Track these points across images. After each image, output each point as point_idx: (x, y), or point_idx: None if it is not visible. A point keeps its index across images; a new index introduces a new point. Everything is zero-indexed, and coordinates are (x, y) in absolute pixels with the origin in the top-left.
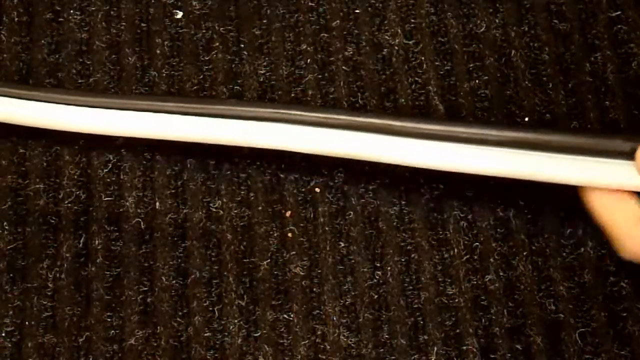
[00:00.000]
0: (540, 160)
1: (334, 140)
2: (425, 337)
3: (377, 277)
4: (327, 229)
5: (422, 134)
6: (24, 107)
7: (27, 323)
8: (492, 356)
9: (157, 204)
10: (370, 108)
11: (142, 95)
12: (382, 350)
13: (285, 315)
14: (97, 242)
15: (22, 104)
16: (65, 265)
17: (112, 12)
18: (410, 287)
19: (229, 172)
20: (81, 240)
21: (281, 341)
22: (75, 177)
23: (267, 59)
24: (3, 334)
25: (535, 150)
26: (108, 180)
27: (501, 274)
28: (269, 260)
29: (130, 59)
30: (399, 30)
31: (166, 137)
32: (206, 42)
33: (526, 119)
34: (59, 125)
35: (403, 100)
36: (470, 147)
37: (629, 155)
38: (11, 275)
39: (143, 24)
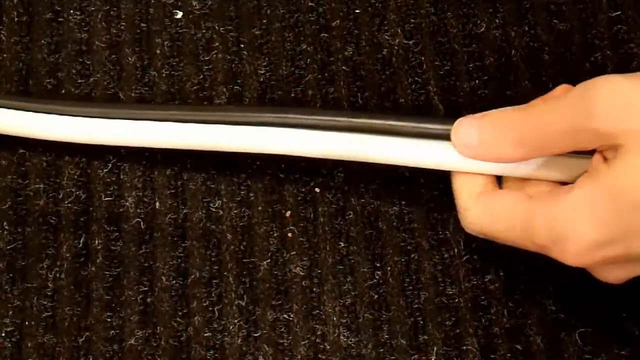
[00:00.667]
0: (365, 142)
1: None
2: (425, 337)
3: (377, 277)
4: (327, 229)
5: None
6: (21, 119)
7: (27, 323)
8: (492, 356)
9: (157, 204)
10: (371, 108)
11: (141, 104)
12: (382, 350)
13: (285, 315)
14: (97, 242)
15: (19, 115)
16: (65, 265)
17: (112, 12)
18: (410, 287)
19: (229, 172)
20: (81, 240)
21: (281, 341)
22: (75, 177)
23: (267, 59)
24: (3, 334)
25: (358, 133)
26: (108, 180)
27: (501, 274)
28: (269, 260)
29: (130, 59)
30: (399, 30)
31: (167, 145)
32: (206, 42)
33: None
34: (58, 137)
35: (403, 100)
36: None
37: (447, 137)
38: (11, 275)
39: (143, 24)
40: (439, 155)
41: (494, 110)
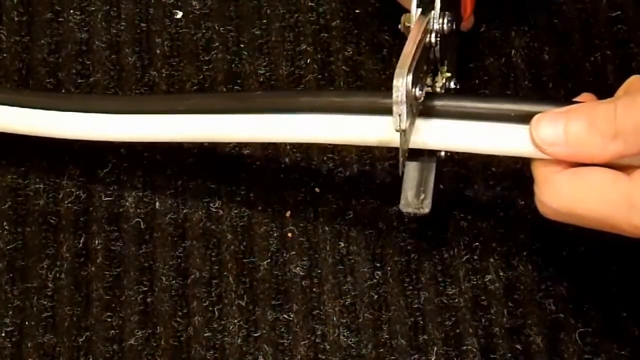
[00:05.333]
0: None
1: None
2: (425, 337)
3: (377, 277)
4: (327, 229)
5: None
6: (18, 115)
7: (27, 323)
8: (492, 356)
9: (157, 204)
10: None
11: (143, 96)
12: (382, 350)
13: (285, 315)
14: (97, 242)
15: (16, 111)
16: (65, 265)
17: (112, 12)
18: (410, 287)
19: (229, 172)
20: (81, 240)
21: (281, 341)
22: (75, 177)
23: (267, 59)
24: (3, 334)
25: (429, 118)
26: (108, 180)
27: (501, 274)
28: (269, 260)
29: (130, 59)
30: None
31: (169, 139)
32: (206, 42)
33: None
34: (58, 133)
35: None
36: None
37: (521, 120)
38: (11, 275)
39: (143, 24)
40: (516, 143)
41: (578, 105)
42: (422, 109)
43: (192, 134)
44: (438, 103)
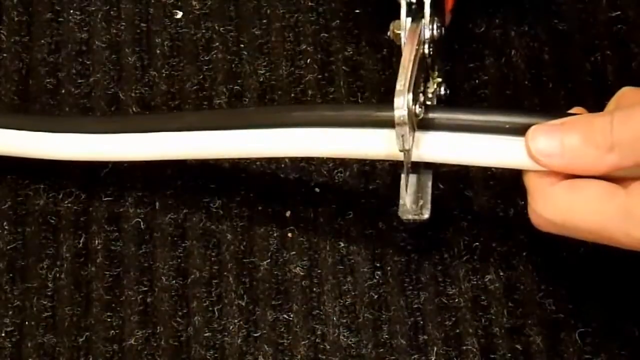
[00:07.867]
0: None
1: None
2: (425, 337)
3: (377, 277)
4: (327, 229)
5: None
6: (17, 138)
7: (27, 323)
8: (492, 356)
9: (157, 204)
10: None
11: (136, 115)
12: (382, 350)
13: (285, 315)
14: (97, 242)
15: (15, 134)
16: (65, 265)
17: (112, 12)
18: (410, 287)
19: (228, 172)
20: (81, 240)
21: (281, 341)
22: (75, 177)
23: (267, 59)
24: (3, 334)
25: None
26: (108, 180)
27: (501, 274)
28: (269, 260)
29: (130, 59)
30: None
31: (163, 157)
32: (206, 42)
33: None
34: (52, 155)
35: None
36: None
37: (515, 132)
38: (11, 275)
39: (143, 24)
40: (514, 155)
41: (574, 117)
42: (418, 122)
43: (187, 152)
44: (433, 116)
